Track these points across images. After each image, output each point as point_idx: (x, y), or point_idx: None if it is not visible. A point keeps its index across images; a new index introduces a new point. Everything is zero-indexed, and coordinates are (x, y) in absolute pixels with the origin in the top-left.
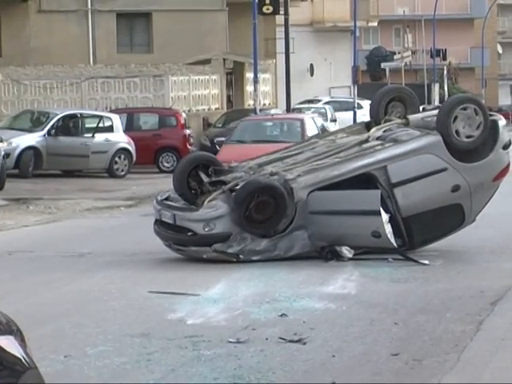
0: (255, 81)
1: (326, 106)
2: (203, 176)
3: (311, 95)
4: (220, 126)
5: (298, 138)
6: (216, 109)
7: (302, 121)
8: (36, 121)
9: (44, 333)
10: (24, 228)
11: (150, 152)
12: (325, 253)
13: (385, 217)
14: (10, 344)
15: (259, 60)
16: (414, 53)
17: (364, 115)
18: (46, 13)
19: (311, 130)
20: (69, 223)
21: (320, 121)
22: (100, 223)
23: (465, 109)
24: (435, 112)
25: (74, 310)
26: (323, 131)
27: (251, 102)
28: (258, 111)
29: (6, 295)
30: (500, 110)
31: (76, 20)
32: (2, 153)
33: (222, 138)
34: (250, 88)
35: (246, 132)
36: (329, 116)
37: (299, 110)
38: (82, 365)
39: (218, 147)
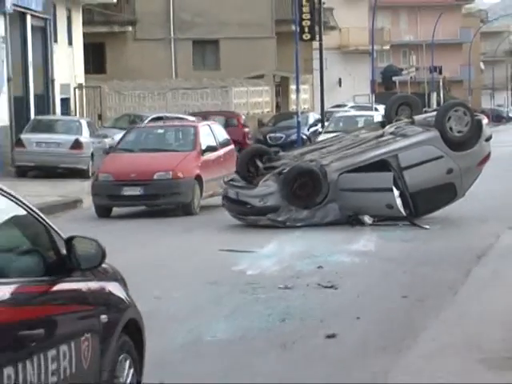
0: (297, 90)
1: (352, 109)
2: (259, 163)
3: (340, 101)
4: (271, 125)
5: (191, 146)
6: (268, 112)
7: (195, 128)
8: (132, 121)
9: (140, 280)
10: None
11: None
12: (351, 220)
13: (396, 193)
14: (115, 288)
15: (300, 75)
16: (417, 69)
17: (379, 116)
18: (139, 40)
19: (206, 139)
20: None
21: (220, 128)
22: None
23: (456, 111)
24: (434, 113)
25: (161, 264)
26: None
27: (294, 107)
28: (299, 114)
29: (112, 252)
30: (483, 112)
31: (162, 46)
32: (107, 146)
33: (273, 134)
34: (293, 96)
35: (135, 140)
36: (353, 114)
37: (331, 113)
38: (168, 304)
39: (270, 141)
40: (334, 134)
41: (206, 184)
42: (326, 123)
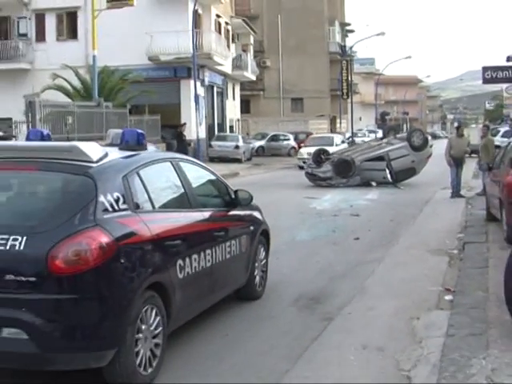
0: (340, 122)
1: (366, 131)
2: (322, 155)
3: (360, 128)
4: None
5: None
6: (326, 132)
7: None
8: (262, 137)
9: (264, 211)
10: (253, 175)
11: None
12: (365, 183)
13: (387, 171)
14: (257, 214)
15: (342, 115)
16: (397, 113)
17: (379, 135)
18: (266, 98)
19: None
20: (270, 174)
21: None
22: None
23: (416, 132)
24: (405, 134)
25: (275, 202)
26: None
27: (338, 130)
28: (341, 134)
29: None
30: (427, 133)
31: (276, 101)
32: (251, 146)
33: None
34: (338, 125)
35: None
36: (366, 134)
37: (356, 132)
38: (279, 222)
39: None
40: (315, 148)
41: None
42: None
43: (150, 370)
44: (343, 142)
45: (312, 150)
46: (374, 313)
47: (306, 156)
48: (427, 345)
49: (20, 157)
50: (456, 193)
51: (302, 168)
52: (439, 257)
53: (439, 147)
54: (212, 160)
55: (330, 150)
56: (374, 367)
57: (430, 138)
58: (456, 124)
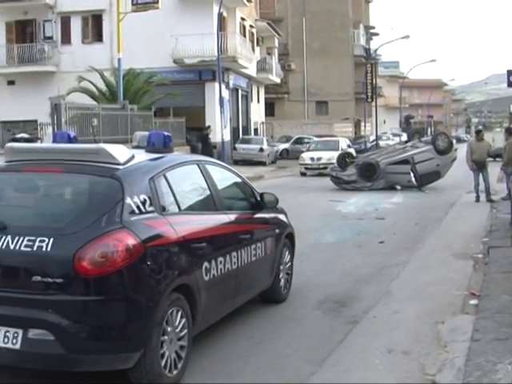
0: (365, 126)
1: (391, 135)
2: (347, 159)
3: (384, 131)
4: (352, 141)
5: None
6: (350, 135)
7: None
8: (287, 140)
9: (290, 213)
10: (278, 178)
11: None
12: (390, 187)
13: (412, 175)
14: (282, 216)
15: (366, 118)
16: (421, 116)
17: (404, 138)
18: (290, 101)
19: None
20: (294, 176)
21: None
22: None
23: (441, 136)
24: (430, 137)
25: (299, 205)
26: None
27: (363, 133)
28: (365, 137)
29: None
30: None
31: (301, 104)
32: (275, 149)
33: (354, 146)
34: (362, 128)
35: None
36: (391, 137)
37: (381, 136)
38: (304, 225)
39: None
40: (318, 152)
41: None
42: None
43: (175, 372)
44: (349, 146)
45: (315, 154)
46: (399, 316)
47: (308, 161)
48: (452, 349)
49: (47, 159)
50: (487, 197)
51: (304, 175)
52: (464, 261)
53: (464, 151)
54: (236, 163)
55: (335, 155)
56: (399, 371)
57: (454, 141)
58: (477, 127)
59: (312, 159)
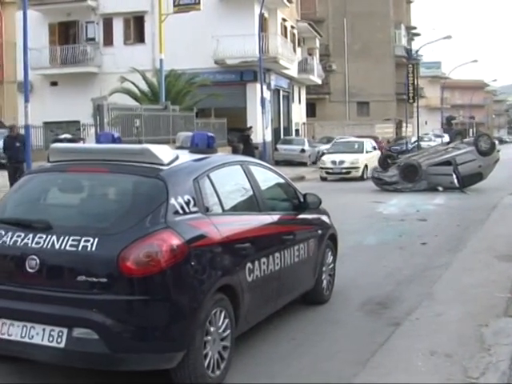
0: (406, 127)
1: (432, 136)
2: (389, 160)
3: (426, 132)
4: (393, 142)
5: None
6: (391, 136)
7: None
8: (328, 140)
9: (334, 214)
10: (318, 179)
11: None
12: (431, 188)
13: (454, 176)
14: (325, 218)
15: (408, 119)
16: (463, 117)
17: (445, 139)
18: (332, 102)
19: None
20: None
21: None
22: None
23: (483, 137)
24: (472, 139)
25: (343, 206)
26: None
27: (404, 134)
28: (407, 138)
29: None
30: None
31: (342, 105)
32: (316, 150)
33: (394, 147)
34: (404, 129)
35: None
36: (432, 138)
37: (422, 137)
38: (347, 226)
39: (392, 151)
40: (340, 155)
41: None
42: (329, 146)
43: (217, 373)
44: (375, 148)
45: (337, 157)
46: (441, 318)
47: (329, 165)
48: (496, 352)
49: (92, 159)
50: None
51: (324, 180)
52: (507, 263)
53: (506, 152)
54: (278, 163)
55: (359, 158)
56: (442, 374)
57: (496, 142)
58: None
59: (334, 163)
